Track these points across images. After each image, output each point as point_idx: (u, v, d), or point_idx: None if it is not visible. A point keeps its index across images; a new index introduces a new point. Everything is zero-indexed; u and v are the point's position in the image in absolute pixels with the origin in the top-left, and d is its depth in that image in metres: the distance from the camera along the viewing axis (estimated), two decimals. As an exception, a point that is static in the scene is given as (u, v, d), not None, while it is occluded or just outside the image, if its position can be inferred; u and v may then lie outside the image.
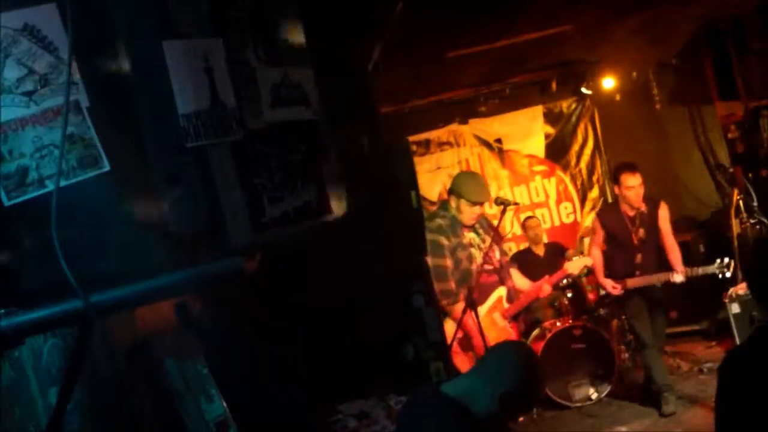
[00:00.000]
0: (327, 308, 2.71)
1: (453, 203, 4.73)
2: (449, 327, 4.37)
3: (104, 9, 1.44)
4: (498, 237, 4.90)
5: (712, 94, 7.81)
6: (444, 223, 4.67)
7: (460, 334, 4.48)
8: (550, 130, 8.32)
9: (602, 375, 6.13)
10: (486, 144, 8.25)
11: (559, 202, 8.35)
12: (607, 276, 5.73)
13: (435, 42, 5.63)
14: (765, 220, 6.82)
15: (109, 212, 1.47)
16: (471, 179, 5.04)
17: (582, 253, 7.87)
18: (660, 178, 7.41)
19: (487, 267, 4.73)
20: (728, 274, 5.34)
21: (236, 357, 2.45)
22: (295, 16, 1.72)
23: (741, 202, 7.02)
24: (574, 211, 8.37)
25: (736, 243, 6.55)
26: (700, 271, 5.52)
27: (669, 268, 5.52)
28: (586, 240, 8.27)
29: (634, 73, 8.12)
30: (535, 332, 6.35)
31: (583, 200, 8.39)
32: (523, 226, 7.51)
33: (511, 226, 7.52)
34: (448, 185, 7.96)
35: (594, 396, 6.10)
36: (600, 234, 5.83)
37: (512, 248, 7.99)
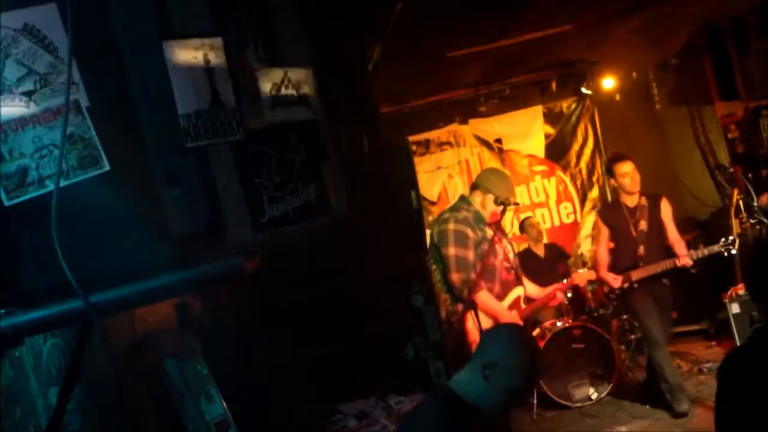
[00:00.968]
0: (327, 308, 2.71)
1: (478, 198, 4.68)
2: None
3: (104, 9, 1.44)
4: (508, 241, 4.90)
5: (712, 94, 7.81)
6: (470, 216, 4.63)
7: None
8: (550, 130, 8.32)
9: (602, 375, 6.13)
10: (486, 144, 8.25)
11: (559, 202, 8.34)
12: (610, 271, 5.70)
13: (435, 42, 5.63)
14: (765, 220, 6.82)
15: (109, 212, 1.47)
16: (499, 175, 4.99)
17: (582, 254, 7.91)
18: (660, 178, 7.42)
19: (506, 264, 4.72)
20: (733, 252, 5.32)
21: (236, 357, 2.45)
22: (295, 16, 1.72)
23: (741, 202, 7.02)
24: (574, 211, 8.37)
25: (736, 243, 6.54)
26: (706, 251, 5.45)
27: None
28: (584, 242, 8.29)
29: (634, 73, 8.12)
30: (535, 332, 6.35)
31: (583, 200, 8.39)
32: (522, 227, 7.50)
33: (511, 226, 7.52)
34: (449, 185, 8.05)
35: (594, 396, 6.10)
36: (604, 231, 5.81)
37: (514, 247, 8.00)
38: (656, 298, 5.60)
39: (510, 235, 7.65)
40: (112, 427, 2.11)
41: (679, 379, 5.66)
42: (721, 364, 2.46)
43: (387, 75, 5.17)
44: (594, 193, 8.39)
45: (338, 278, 2.61)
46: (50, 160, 1.43)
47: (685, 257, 5.35)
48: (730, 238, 5.31)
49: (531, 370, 2.39)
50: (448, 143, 8.18)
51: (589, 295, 6.47)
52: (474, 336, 4.36)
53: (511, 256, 4.84)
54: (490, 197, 4.62)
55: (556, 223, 8.31)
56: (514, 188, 4.96)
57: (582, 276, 5.75)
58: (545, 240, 7.72)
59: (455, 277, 4.41)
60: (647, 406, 5.86)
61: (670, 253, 5.53)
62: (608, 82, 8.00)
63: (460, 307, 4.43)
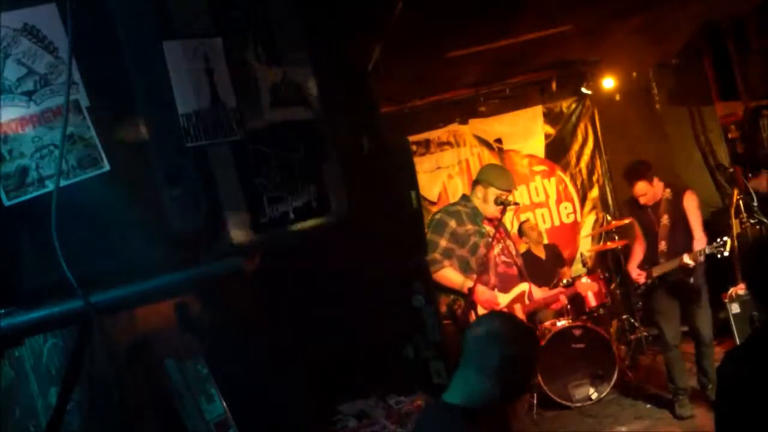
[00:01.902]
0: (327, 308, 2.71)
1: (480, 193, 4.74)
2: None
3: (104, 9, 1.44)
4: (507, 238, 4.92)
5: (712, 94, 7.81)
6: (463, 210, 4.70)
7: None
8: (550, 130, 8.32)
9: (602, 375, 6.12)
10: (486, 144, 8.25)
11: (559, 202, 8.34)
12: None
13: (435, 42, 5.63)
14: (765, 220, 6.82)
15: (109, 212, 1.47)
16: (499, 169, 5.10)
17: (582, 254, 7.90)
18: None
19: (505, 259, 4.75)
20: (726, 254, 5.24)
21: (236, 357, 2.45)
22: (295, 16, 1.73)
23: (741, 202, 7.02)
24: (574, 211, 8.37)
25: (736, 243, 6.54)
26: (702, 255, 5.32)
27: None
28: (584, 242, 8.29)
29: (634, 73, 8.12)
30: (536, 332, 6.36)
31: (583, 200, 8.39)
32: (521, 232, 7.49)
33: (511, 226, 7.52)
34: (449, 185, 8.05)
35: (594, 396, 6.10)
36: (636, 225, 5.73)
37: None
38: (679, 295, 5.46)
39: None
40: (112, 427, 2.11)
41: (687, 384, 5.58)
42: (722, 364, 2.46)
43: (387, 75, 5.17)
44: (594, 193, 8.39)
45: (338, 278, 2.61)
46: (50, 160, 1.43)
47: (686, 257, 5.25)
48: (725, 238, 5.25)
49: (535, 356, 2.32)
50: (448, 143, 8.18)
51: (590, 295, 6.46)
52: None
53: (513, 251, 4.88)
54: (492, 190, 4.68)
55: (556, 223, 8.31)
56: (514, 181, 5.00)
57: (585, 286, 5.72)
58: (545, 241, 7.73)
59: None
60: (648, 406, 5.87)
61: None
62: (608, 82, 8.00)
63: (461, 303, 4.49)
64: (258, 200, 1.55)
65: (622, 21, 6.15)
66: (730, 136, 7.85)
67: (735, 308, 5.89)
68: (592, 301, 6.38)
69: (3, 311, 1.39)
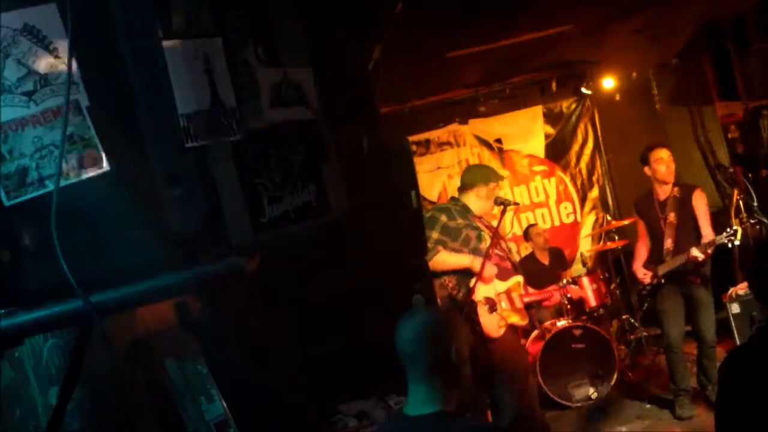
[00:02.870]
0: (327, 308, 2.71)
1: (482, 192, 4.84)
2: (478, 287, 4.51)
3: (104, 9, 1.44)
4: (498, 237, 4.94)
5: (712, 94, 7.82)
6: (453, 207, 4.78)
7: (490, 294, 4.65)
8: (550, 130, 8.32)
9: (602, 375, 6.13)
10: (486, 144, 8.25)
11: (559, 202, 8.34)
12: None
13: (435, 42, 5.63)
14: (765, 220, 6.82)
15: (109, 212, 1.47)
16: (483, 167, 5.29)
17: (582, 254, 7.90)
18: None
19: (498, 252, 4.80)
20: (737, 243, 5.21)
21: (236, 357, 2.45)
22: (294, 15, 1.72)
23: (741, 202, 7.02)
24: (574, 211, 8.37)
25: (738, 233, 6.53)
26: (711, 246, 5.29)
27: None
28: (584, 242, 8.29)
29: (634, 73, 8.12)
30: (535, 332, 6.36)
31: (583, 200, 8.39)
32: (527, 236, 7.49)
33: (511, 226, 7.51)
34: (449, 185, 8.04)
35: (594, 396, 6.10)
36: (640, 224, 5.70)
37: (512, 248, 7.99)
38: (685, 295, 5.43)
39: (510, 236, 7.71)
40: (112, 427, 2.11)
41: (688, 384, 5.56)
42: (723, 364, 2.46)
43: (387, 75, 5.18)
44: (594, 193, 8.39)
45: (338, 278, 2.61)
46: (50, 160, 1.43)
47: (694, 250, 5.16)
48: (734, 228, 5.21)
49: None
50: (448, 143, 8.18)
51: (590, 295, 6.47)
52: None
53: (506, 248, 4.97)
54: (480, 188, 4.78)
55: (556, 223, 8.32)
56: (497, 171, 5.09)
57: (575, 291, 5.95)
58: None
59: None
60: (648, 406, 5.87)
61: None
62: (608, 82, 8.00)
63: (453, 284, 4.55)
64: (258, 200, 1.55)
65: (622, 21, 6.16)
66: (730, 136, 7.86)
67: (735, 308, 5.88)
68: (592, 301, 6.39)
69: (3, 311, 1.39)
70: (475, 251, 4.63)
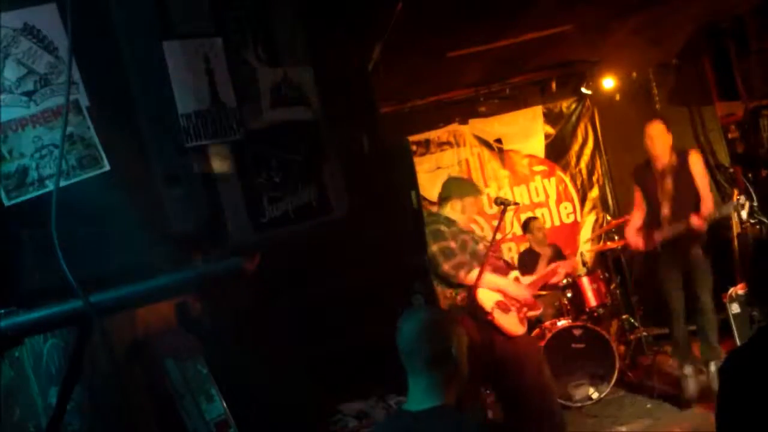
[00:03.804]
0: (327, 308, 2.71)
1: (457, 206, 4.84)
2: (484, 295, 4.53)
3: (104, 9, 1.44)
4: (498, 243, 5.02)
5: (712, 94, 7.81)
6: (443, 218, 4.80)
7: (498, 297, 4.65)
8: (550, 130, 8.32)
9: (602, 375, 6.12)
10: (486, 144, 8.25)
11: (559, 202, 8.34)
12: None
13: (435, 42, 5.63)
14: (765, 220, 6.82)
15: (109, 212, 1.47)
16: (459, 180, 5.40)
17: (582, 254, 7.90)
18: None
19: (493, 253, 4.83)
20: (744, 215, 5.18)
21: (236, 357, 2.45)
22: (295, 15, 1.72)
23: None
24: (574, 211, 8.36)
25: (736, 243, 6.53)
26: (717, 213, 5.29)
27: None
28: (584, 241, 8.29)
29: (634, 73, 8.12)
30: (535, 332, 6.36)
31: (583, 200, 8.39)
32: (527, 228, 7.47)
33: (511, 226, 7.51)
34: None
35: (594, 396, 6.09)
36: (637, 193, 5.70)
37: (512, 248, 8.00)
38: (685, 269, 5.40)
39: (510, 235, 7.72)
40: (112, 427, 2.12)
41: (694, 358, 5.47)
42: (723, 364, 2.46)
43: (387, 75, 5.18)
44: (594, 193, 8.38)
45: (338, 278, 2.61)
46: (50, 160, 1.43)
47: (695, 218, 5.08)
48: (741, 197, 5.18)
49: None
50: (448, 143, 8.18)
51: (590, 294, 6.47)
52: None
53: (501, 249, 5.07)
54: (455, 202, 4.79)
55: (556, 223, 8.31)
56: (475, 185, 5.23)
57: (568, 264, 6.00)
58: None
59: (446, 266, 4.52)
60: (648, 406, 5.87)
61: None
62: (608, 82, 8.00)
63: (462, 294, 4.54)
64: (258, 200, 1.55)
65: (622, 21, 6.16)
66: (730, 136, 7.85)
67: (735, 308, 5.88)
68: (592, 301, 6.39)
69: (3, 311, 1.39)
70: (472, 252, 4.64)
